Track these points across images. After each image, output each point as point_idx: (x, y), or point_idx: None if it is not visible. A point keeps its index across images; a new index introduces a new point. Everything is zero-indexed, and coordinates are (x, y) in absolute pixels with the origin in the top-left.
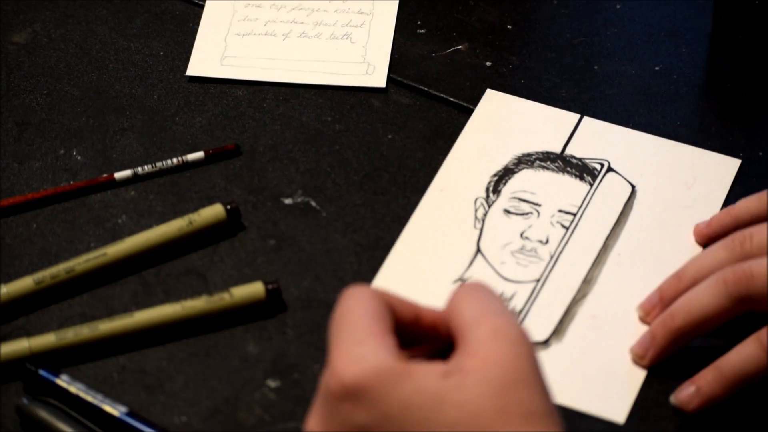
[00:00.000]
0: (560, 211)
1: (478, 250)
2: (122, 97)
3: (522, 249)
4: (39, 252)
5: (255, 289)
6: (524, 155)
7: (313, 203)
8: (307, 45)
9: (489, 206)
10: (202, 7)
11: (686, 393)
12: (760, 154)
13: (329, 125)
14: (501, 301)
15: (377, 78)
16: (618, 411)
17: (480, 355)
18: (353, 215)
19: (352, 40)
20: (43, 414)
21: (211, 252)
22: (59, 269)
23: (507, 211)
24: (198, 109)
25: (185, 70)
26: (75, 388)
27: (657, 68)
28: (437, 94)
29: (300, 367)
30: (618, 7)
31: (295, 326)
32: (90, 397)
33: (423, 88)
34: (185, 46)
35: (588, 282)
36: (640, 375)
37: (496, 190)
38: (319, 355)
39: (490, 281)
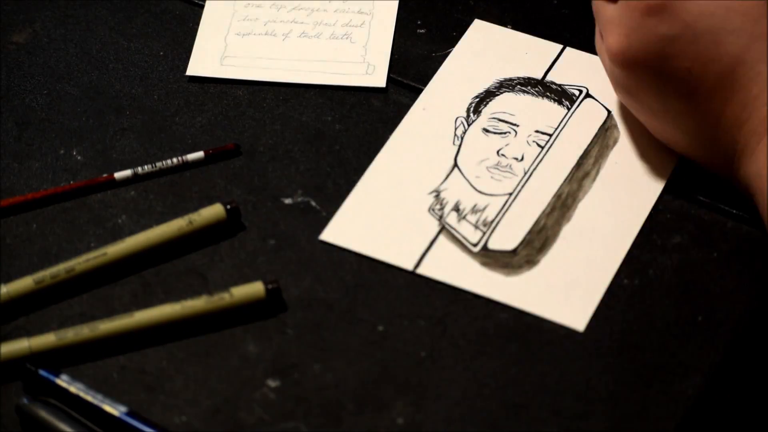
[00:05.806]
0: (537, 131)
1: (455, 165)
2: (122, 97)
3: (497, 165)
4: (39, 252)
5: (255, 288)
6: (506, 80)
7: (313, 203)
8: (307, 45)
9: (468, 125)
10: (202, 7)
11: None
12: None
13: (329, 125)
14: None
15: (377, 78)
16: (578, 320)
17: None
18: None
19: (352, 40)
20: (43, 414)
21: (211, 252)
22: (59, 269)
23: (486, 130)
24: (198, 109)
25: (185, 70)
26: (75, 388)
27: None
28: None
29: (300, 367)
30: None
31: (295, 326)
32: (90, 397)
33: (423, 88)
34: (185, 46)
35: (559, 197)
36: (601, 286)
37: (477, 111)
38: (319, 355)
39: (465, 194)
